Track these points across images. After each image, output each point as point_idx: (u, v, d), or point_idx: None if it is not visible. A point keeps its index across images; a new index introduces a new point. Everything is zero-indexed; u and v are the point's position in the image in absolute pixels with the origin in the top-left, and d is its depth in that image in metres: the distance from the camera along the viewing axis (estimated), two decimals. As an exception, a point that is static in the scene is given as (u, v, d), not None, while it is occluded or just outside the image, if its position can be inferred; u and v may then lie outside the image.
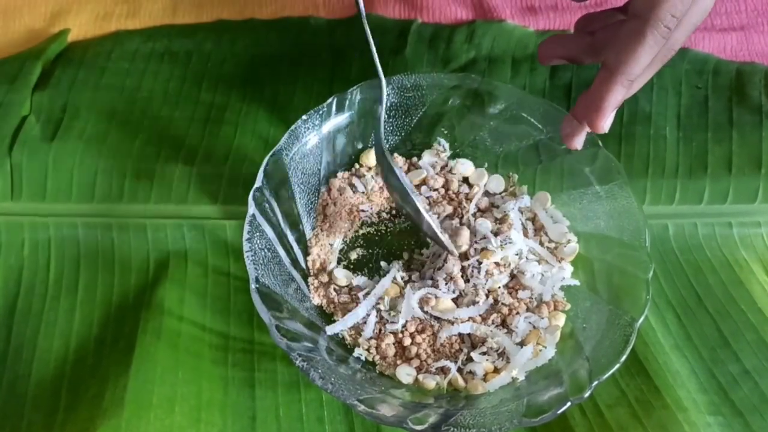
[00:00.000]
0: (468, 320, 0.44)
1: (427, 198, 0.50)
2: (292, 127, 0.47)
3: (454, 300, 0.45)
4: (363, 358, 0.44)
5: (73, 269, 0.48)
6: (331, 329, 0.44)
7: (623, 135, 0.54)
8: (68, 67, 0.57)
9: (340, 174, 0.51)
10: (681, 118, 0.55)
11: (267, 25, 0.60)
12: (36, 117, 0.54)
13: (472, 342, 0.44)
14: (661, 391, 0.43)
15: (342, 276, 0.46)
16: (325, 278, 0.47)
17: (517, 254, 0.46)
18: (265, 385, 0.44)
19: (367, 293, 0.45)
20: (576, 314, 0.45)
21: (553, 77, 0.56)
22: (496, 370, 0.43)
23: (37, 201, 0.51)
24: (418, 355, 0.44)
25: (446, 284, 0.45)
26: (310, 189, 0.49)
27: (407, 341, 0.44)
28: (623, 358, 0.39)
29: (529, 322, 0.44)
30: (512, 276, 0.46)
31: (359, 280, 0.47)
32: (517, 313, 0.44)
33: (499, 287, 0.45)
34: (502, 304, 0.45)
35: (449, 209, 0.50)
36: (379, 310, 0.45)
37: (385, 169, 0.46)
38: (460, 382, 0.42)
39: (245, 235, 0.43)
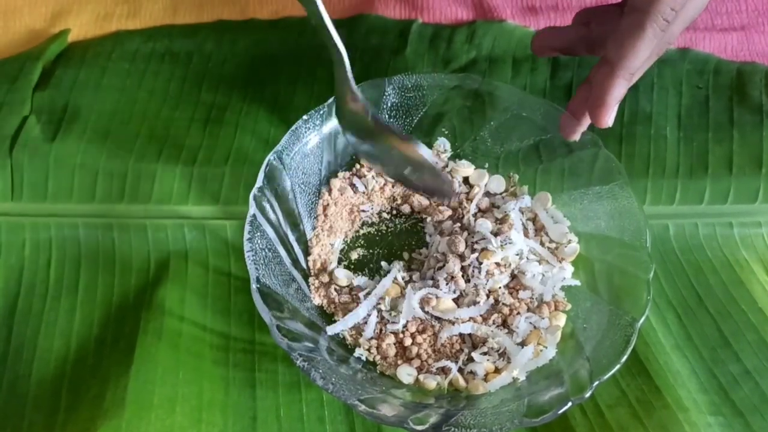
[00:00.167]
0: (469, 320, 0.44)
1: (428, 198, 0.50)
2: (293, 127, 0.47)
3: (455, 300, 0.45)
4: (364, 358, 0.44)
5: (74, 269, 0.48)
6: (331, 329, 0.44)
7: (624, 135, 0.54)
8: (69, 68, 0.57)
9: (340, 174, 0.51)
10: (682, 118, 0.55)
11: (268, 25, 0.60)
12: (37, 117, 0.54)
13: (473, 342, 0.44)
14: (661, 391, 0.43)
15: (343, 276, 0.46)
16: (325, 278, 0.47)
17: (517, 254, 0.46)
18: (266, 386, 0.44)
19: (368, 293, 0.45)
20: (577, 314, 0.45)
21: (554, 77, 0.56)
22: (497, 371, 0.43)
23: (37, 201, 0.51)
24: (418, 355, 0.44)
25: (447, 284, 0.45)
26: (311, 189, 0.49)
27: (408, 341, 0.44)
28: (624, 358, 0.39)
29: (530, 323, 0.44)
30: (513, 276, 0.46)
31: (360, 280, 0.47)
32: (518, 313, 0.44)
33: (500, 287, 0.45)
34: (503, 304, 0.45)
35: (449, 211, 0.50)
36: (380, 311, 0.45)
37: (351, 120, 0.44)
38: (461, 382, 0.42)
39: (246, 236, 0.43)
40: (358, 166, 0.51)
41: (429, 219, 0.50)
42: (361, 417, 0.42)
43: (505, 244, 0.46)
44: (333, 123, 0.49)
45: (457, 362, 0.43)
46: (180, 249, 0.49)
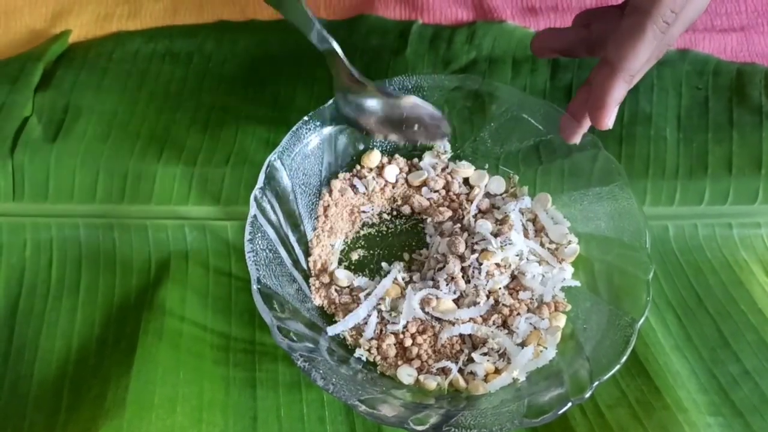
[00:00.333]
0: (469, 321, 0.44)
1: (428, 199, 0.50)
2: (294, 128, 0.47)
3: (455, 301, 0.45)
4: (364, 358, 0.44)
5: (75, 270, 0.48)
6: (332, 330, 0.44)
7: (623, 136, 0.54)
8: (70, 68, 0.57)
9: (341, 175, 0.51)
10: (681, 118, 0.55)
11: (268, 25, 0.60)
12: (38, 118, 0.54)
13: (473, 343, 0.44)
14: (661, 392, 0.43)
15: (343, 277, 0.47)
16: (326, 279, 0.47)
17: (517, 255, 0.46)
18: (266, 386, 0.44)
19: (368, 294, 0.45)
20: (577, 315, 0.45)
21: (554, 78, 0.57)
22: (497, 371, 0.43)
23: (39, 202, 0.51)
24: (419, 356, 0.44)
25: (447, 285, 0.45)
26: (312, 190, 0.49)
27: (408, 342, 0.44)
28: (624, 358, 0.39)
29: (530, 323, 0.44)
30: (513, 277, 0.46)
31: (360, 280, 0.47)
32: (518, 313, 0.45)
33: (500, 288, 0.45)
34: (503, 305, 0.45)
35: (449, 212, 0.50)
36: (380, 311, 0.45)
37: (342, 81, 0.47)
38: (461, 382, 0.42)
39: (247, 236, 0.43)
40: (358, 167, 0.52)
41: (429, 220, 0.50)
42: (362, 417, 0.42)
43: (505, 244, 0.46)
44: (333, 124, 0.49)
45: (457, 363, 0.43)
46: (181, 249, 0.49)
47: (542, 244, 0.48)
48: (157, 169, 0.51)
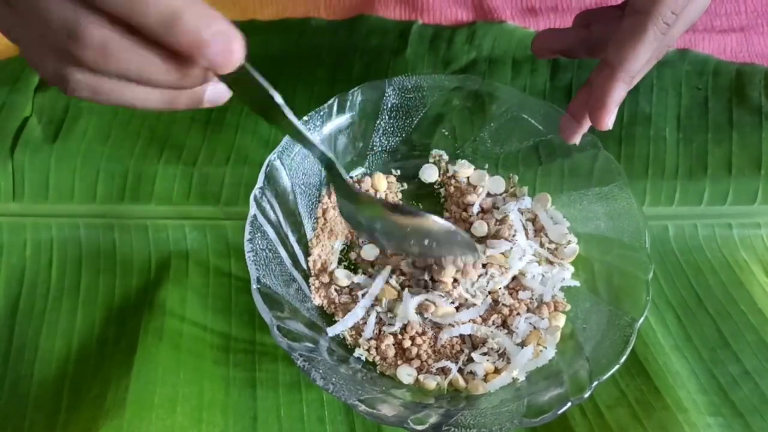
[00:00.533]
0: (468, 321, 0.44)
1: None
2: (294, 128, 0.47)
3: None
4: (363, 358, 0.44)
5: (75, 270, 0.48)
6: (332, 330, 0.44)
7: (623, 136, 0.54)
8: (70, 68, 0.57)
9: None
10: (681, 119, 0.55)
11: (268, 26, 0.60)
12: (38, 118, 0.54)
13: (473, 343, 0.44)
14: (661, 392, 0.43)
15: (343, 276, 0.47)
16: (326, 279, 0.47)
17: (518, 255, 0.46)
18: (266, 386, 0.44)
19: (365, 293, 0.45)
20: (576, 315, 0.45)
21: (554, 78, 0.57)
22: (497, 371, 0.43)
23: (39, 202, 0.51)
24: (418, 356, 0.44)
25: (443, 298, 0.45)
26: (311, 190, 0.49)
27: (407, 343, 0.44)
28: (623, 358, 0.39)
29: (530, 323, 0.44)
30: (513, 277, 0.46)
31: (360, 278, 0.47)
32: (518, 313, 0.45)
33: (500, 288, 0.45)
34: (503, 304, 0.45)
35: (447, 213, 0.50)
36: (377, 312, 0.45)
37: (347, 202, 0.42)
38: (461, 382, 0.42)
39: (246, 236, 0.43)
40: (359, 170, 0.52)
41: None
42: (361, 417, 0.42)
43: (505, 248, 0.46)
44: (333, 124, 0.49)
45: (457, 363, 0.43)
46: (181, 249, 0.49)
47: (542, 244, 0.48)
48: (157, 169, 0.52)
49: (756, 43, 0.59)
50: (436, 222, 0.41)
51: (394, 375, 0.43)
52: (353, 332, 0.45)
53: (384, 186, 0.51)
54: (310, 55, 0.58)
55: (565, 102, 0.55)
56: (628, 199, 0.46)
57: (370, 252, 0.48)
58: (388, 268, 0.46)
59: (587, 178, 0.48)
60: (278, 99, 0.33)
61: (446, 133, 0.52)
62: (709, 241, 0.51)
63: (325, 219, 0.49)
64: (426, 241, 0.41)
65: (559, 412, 0.38)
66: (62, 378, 0.44)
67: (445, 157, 0.52)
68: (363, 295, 0.45)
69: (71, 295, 0.47)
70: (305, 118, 0.47)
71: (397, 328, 0.44)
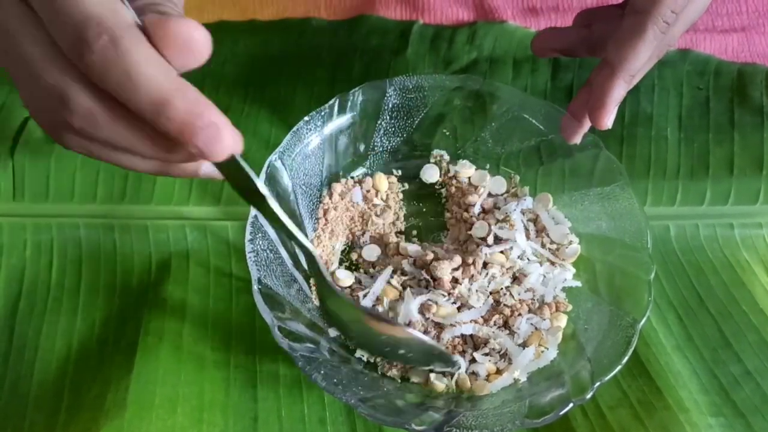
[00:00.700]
0: (470, 321, 0.44)
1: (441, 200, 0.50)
2: (294, 128, 0.47)
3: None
4: (365, 359, 0.44)
5: (76, 270, 0.48)
6: (333, 331, 0.44)
7: (625, 136, 0.54)
8: (70, 68, 0.57)
9: (342, 180, 0.51)
10: (682, 119, 0.55)
11: (268, 26, 0.60)
12: (38, 118, 0.54)
13: (475, 343, 0.44)
14: (662, 392, 0.43)
15: (344, 277, 0.46)
16: (327, 279, 0.47)
17: (519, 256, 0.46)
18: (267, 386, 0.44)
19: (366, 294, 0.45)
20: (578, 315, 0.45)
21: (555, 78, 0.57)
22: (498, 372, 0.43)
23: (39, 202, 0.51)
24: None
25: (445, 298, 0.45)
26: (312, 190, 0.49)
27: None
28: (625, 359, 0.39)
29: (531, 324, 0.44)
30: (514, 277, 0.46)
31: (362, 276, 0.47)
32: (519, 314, 0.44)
33: (501, 288, 0.45)
34: (504, 305, 0.45)
35: (454, 213, 0.50)
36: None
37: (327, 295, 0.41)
38: (468, 382, 0.42)
39: (247, 237, 0.42)
40: (360, 171, 0.51)
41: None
42: (363, 418, 0.42)
43: (506, 248, 0.46)
44: (334, 124, 0.49)
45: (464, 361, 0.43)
46: (181, 250, 0.49)
47: (543, 245, 0.48)
48: (157, 170, 0.51)
49: (757, 43, 0.59)
50: (413, 336, 0.40)
51: (395, 375, 0.43)
52: (354, 333, 0.45)
53: (385, 186, 0.51)
54: (311, 55, 0.58)
55: (566, 102, 0.55)
56: (630, 199, 0.46)
57: (371, 252, 0.48)
58: (390, 269, 0.46)
59: (588, 178, 0.48)
60: (264, 190, 0.34)
61: (447, 133, 0.52)
62: (710, 241, 0.51)
63: (326, 219, 0.49)
64: (401, 351, 0.41)
65: (561, 412, 0.37)
66: (62, 378, 0.44)
67: (446, 157, 0.52)
68: (364, 296, 0.45)
69: (71, 295, 0.47)
70: (306, 118, 0.47)
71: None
